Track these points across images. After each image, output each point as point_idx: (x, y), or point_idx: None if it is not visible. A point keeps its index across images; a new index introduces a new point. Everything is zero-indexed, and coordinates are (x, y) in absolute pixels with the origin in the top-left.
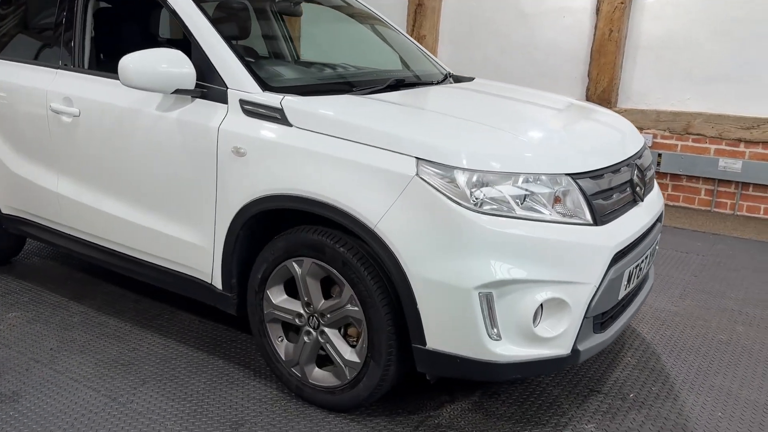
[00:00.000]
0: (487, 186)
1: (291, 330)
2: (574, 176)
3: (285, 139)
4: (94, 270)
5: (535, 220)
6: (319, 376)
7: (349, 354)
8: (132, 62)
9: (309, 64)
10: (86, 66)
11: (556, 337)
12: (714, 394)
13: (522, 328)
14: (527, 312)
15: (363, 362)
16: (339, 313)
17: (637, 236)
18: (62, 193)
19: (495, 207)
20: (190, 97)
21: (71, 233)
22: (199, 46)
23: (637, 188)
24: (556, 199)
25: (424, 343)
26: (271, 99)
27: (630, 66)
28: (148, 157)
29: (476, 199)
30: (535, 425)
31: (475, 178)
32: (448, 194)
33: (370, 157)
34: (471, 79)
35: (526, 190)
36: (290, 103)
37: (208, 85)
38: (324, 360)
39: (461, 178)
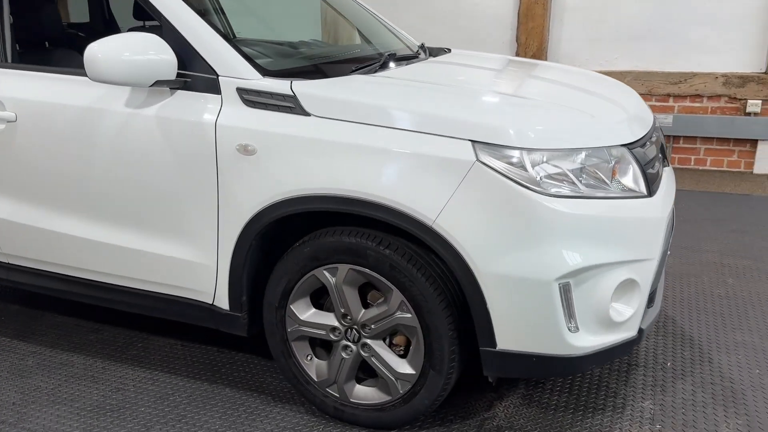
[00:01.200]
0: (551, 165)
1: (317, 346)
2: (628, 146)
3: (305, 132)
4: (32, 300)
5: (601, 198)
6: (363, 393)
7: (401, 365)
8: (101, 52)
9: (279, 43)
10: (9, 59)
11: (628, 320)
12: (741, 350)
13: (599, 315)
14: (605, 298)
15: (419, 373)
16: (386, 323)
17: (673, 202)
18: None
19: (561, 188)
20: (168, 89)
21: (13, 262)
22: (174, 28)
23: (666, 153)
24: (613, 173)
25: (494, 345)
26: (279, 85)
27: (557, 28)
28: (119, 164)
29: (543, 181)
30: (594, 411)
31: (540, 158)
32: (515, 178)
33: (417, 144)
34: (448, 50)
35: (588, 165)
36: (303, 88)
37: (192, 73)
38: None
39: (527, 160)
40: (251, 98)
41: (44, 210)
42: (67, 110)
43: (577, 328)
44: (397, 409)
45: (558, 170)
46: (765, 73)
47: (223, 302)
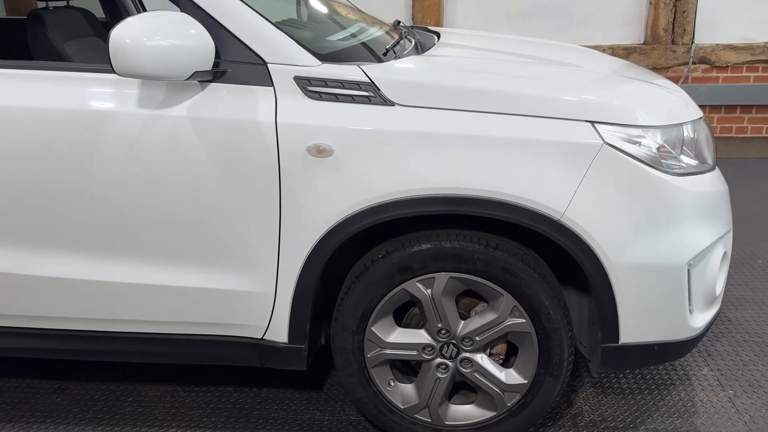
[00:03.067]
0: (663, 143)
1: (394, 368)
2: (703, 119)
3: (395, 125)
4: None
5: (698, 173)
6: (460, 413)
7: (510, 376)
8: (130, 38)
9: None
10: None
11: (721, 293)
12: (746, 305)
13: (707, 292)
14: (713, 274)
15: (532, 381)
16: (496, 332)
17: None
18: None
19: (675, 166)
20: (197, 82)
21: None
22: (201, 8)
23: None
24: (694, 147)
25: (617, 340)
26: (348, 72)
27: (452, 6)
28: (138, 181)
29: (663, 159)
30: (666, 388)
31: (660, 137)
32: (645, 160)
33: (534, 130)
34: (436, 33)
35: (684, 141)
36: (380, 73)
37: (232, 61)
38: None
39: (651, 138)
40: (316, 89)
41: (25, 251)
42: (54, 116)
43: (693, 309)
44: (504, 423)
45: (667, 147)
46: (644, 44)
47: (279, 335)
